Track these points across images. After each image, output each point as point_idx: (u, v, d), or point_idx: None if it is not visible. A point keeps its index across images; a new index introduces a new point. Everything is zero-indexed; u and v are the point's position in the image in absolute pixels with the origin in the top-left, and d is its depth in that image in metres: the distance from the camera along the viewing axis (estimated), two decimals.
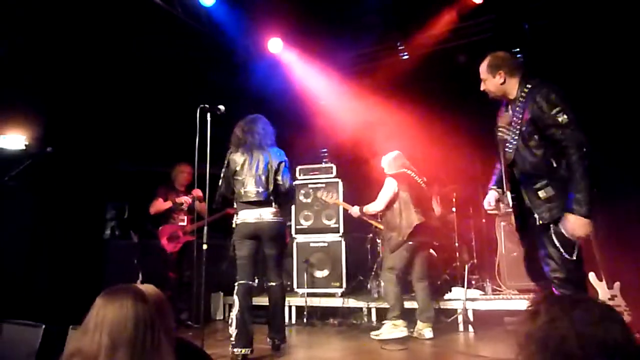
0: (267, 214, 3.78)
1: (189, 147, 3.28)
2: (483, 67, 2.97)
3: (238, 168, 3.80)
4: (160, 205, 5.25)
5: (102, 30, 5.37)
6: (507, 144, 2.82)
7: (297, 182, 5.71)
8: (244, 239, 3.82)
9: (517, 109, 2.80)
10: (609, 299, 4.15)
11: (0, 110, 5.47)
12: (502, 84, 2.90)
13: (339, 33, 6.17)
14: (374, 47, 6.66)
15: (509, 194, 2.82)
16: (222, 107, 3.26)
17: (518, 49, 6.06)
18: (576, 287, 2.74)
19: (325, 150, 6.97)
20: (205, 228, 3.20)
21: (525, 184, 2.75)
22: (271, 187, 3.78)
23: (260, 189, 3.75)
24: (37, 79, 5.54)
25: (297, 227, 5.62)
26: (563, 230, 2.57)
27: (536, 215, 2.68)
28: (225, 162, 3.87)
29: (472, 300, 4.68)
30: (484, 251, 5.35)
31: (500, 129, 2.96)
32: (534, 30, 5.94)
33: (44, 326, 1.91)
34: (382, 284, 4.64)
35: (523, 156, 2.72)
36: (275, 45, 6.19)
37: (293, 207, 5.56)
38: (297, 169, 5.77)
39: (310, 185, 5.68)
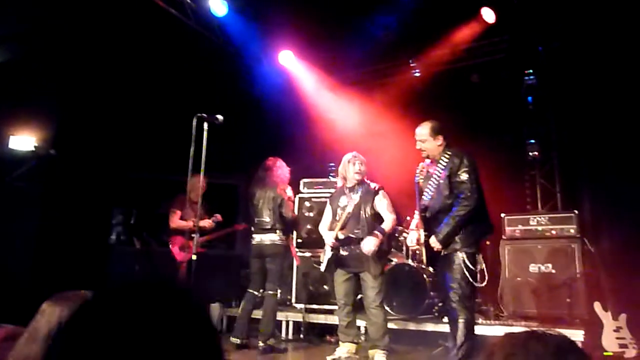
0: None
1: (196, 156, 3.26)
2: (425, 130, 3.59)
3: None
4: (183, 225, 5.24)
5: (114, 35, 5.43)
6: (425, 194, 3.61)
7: (300, 195, 5.67)
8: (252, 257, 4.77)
9: (439, 167, 3.54)
10: (614, 331, 4.03)
11: (11, 111, 5.56)
12: (439, 145, 3.56)
13: (351, 48, 6.16)
14: (386, 63, 6.64)
15: (422, 232, 3.54)
16: (220, 117, 3.25)
17: (531, 70, 6.00)
18: (468, 307, 3.37)
19: (332, 164, 6.93)
20: (195, 239, 3.15)
21: (435, 222, 3.49)
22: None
23: (268, 219, 4.67)
24: (49, 82, 5.61)
25: (299, 240, 5.55)
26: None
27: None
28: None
29: None
30: (488, 275, 5.22)
31: (420, 181, 3.70)
32: (548, 52, 5.88)
33: None
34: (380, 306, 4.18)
35: (436, 202, 3.51)
36: (286, 58, 6.19)
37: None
38: (302, 182, 5.73)
39: (313, 199, 5.63)
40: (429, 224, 3.56)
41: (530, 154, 5.81)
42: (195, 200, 5.42)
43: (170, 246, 5.31)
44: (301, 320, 5.12)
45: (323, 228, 4.37)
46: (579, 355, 0.89)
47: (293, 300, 5.43)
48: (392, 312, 4.98)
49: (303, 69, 6.29)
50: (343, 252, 4.18)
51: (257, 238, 4.70)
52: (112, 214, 6.93)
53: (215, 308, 5.81)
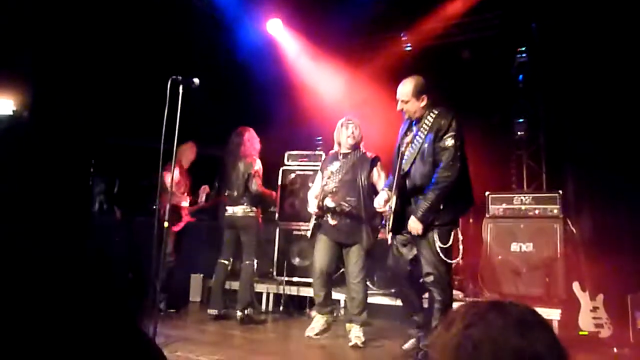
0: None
1: (176, 122, 3.14)
2: (408, 90, 3.28)
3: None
4: (181, 199, 5.15)
5: None
6: (405, 157, 3.31)
7: (284, 167, 5.59)
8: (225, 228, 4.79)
9: (422, 129, 3.24)
10: (591, 310, 4.06)
11: None
12: (423, 107, 3.27)
13: (341, 18, 6.00)
14: (378, 35, 6.50)
15: (394, 198, 3.26)
16: (196, 80, 3.13)
17: (524, 48, 5.90)
18: (444, 287, 3.20)
19: (320, 138, 6.84)
20: (167, 207, 3.07)
21: (414, 192, 3.26)
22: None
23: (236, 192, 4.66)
24: (26, 44, 5.42)
25: (281, 213, 5.50)
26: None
27: None
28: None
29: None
30: (470, 253, 5.22)
31: (402, 144, 3.39)
32: (541, 29, 5.77)
33: None
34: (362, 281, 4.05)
35: (417, 169, 3.23)
36: (274, 27, 6.03)
37: (279, 193, 5.45)
38: (286, 154, 5.65)
39: (298, 172, 5.55)
40: (407, 194, 3.28)
41: (518, 133, 5.77)
42: (186, 166, 5.36)
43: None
44: (281, 292, 5.10)
45: (311, 195, 4.13)
46: (541, 328, 0.84)
47: (274, 272, 5.40)
48: (372, 287, 4.99)
49: (290, 38, 6.13)
50: (332, 221, 3.94)
51: (230, 210, 4.69)
52: (94, 183, 6.82)
53: (197, 279, 5.79)
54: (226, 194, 4.74)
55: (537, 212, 4.69)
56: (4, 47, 5.31)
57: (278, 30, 6.10)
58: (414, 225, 3.17)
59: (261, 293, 5.31)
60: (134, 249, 5.54)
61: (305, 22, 6.10)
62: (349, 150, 4.04)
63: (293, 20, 6.08)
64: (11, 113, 5.57)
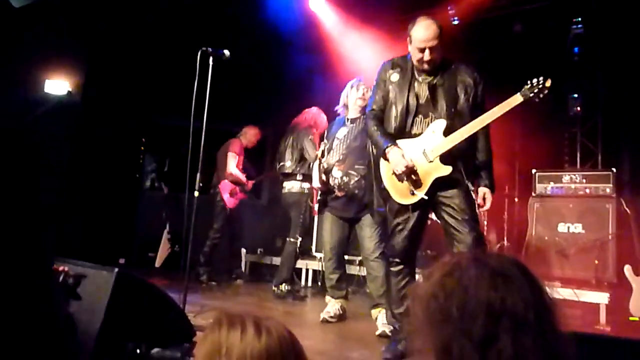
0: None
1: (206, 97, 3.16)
2: (436, 34, 2.69)
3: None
4: (238, 177, 5.31)
5: None
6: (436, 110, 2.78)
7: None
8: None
9: (453, 78, 2.76)
10: None
11: (46, 56, 5.67)
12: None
13: None
14: (424, 9, 6.29)
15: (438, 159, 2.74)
16: (227, 52, 3.13)
17: (580, 19, 5.54)
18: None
19: None
20: (198, 176, 3.12)
21: (453, 155, 2.72)
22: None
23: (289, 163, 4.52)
24: (80, 26, 5.66)
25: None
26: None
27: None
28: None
29: None
30: (515, 233, 5.03)
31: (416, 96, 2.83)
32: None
33: (116, 270, 1.94)
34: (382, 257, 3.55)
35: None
36: (316, 2, 5.96)
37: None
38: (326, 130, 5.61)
39: None
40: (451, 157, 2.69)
41: (573, 109, 5.46)
42: (249, 147, 5.53)
43: (221, 192, 5.33)
44: (320, 269, 5.13)
45: (315, 167, 3.75)
46: (521, 282, 0.78)
47: (313, 249, 5.44)
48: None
49: (332, 14, 6.04)
50: (339, 193, 3.57)
51: (284, 186, 4.66)
52: (145, 161, 7.09)
53: (242, 253, 5.93)
54: (277, 167, 4.71)
55: (587, 190, 4.44)
56: (61, 29, 5.57)
57: (320, 6, 6.02)
58: (488, 198, 2.77)
59: (300, 269, 5.36)
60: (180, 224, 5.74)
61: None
62: (358, 115, 3.67)
63: None
64: (66, 94, 5.84)
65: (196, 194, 3.04)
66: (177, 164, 6.77)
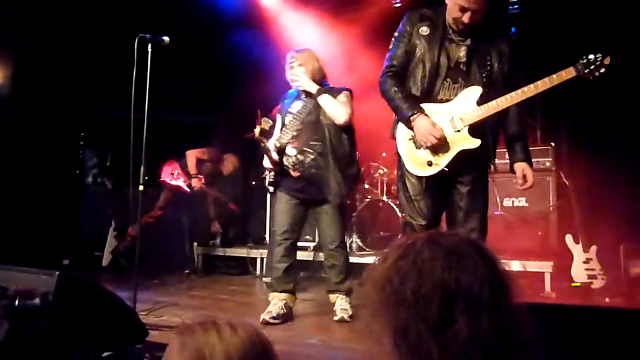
0: None
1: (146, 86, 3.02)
2: None
3: None
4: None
5: None
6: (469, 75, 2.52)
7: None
8: None
9: (480, 45, 2.49)
10: (584, 262, 4.02)
11: None
12: None
13: None
14: None
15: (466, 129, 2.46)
16: (166, 39, 3.00)
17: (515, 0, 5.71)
18: None
19: None
20: (142, 169, 3.00)
21: (480, 135, 2.47)
22: None
23: None
24: (12, 13, 5.28)
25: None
26: None
27: None
28: None
29: None
30: None
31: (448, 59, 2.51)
32: None
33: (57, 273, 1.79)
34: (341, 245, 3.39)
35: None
36: None
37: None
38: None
39: None
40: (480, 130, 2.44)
41: None
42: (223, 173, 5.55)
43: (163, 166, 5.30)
44: None
45: (270, 146, 3.32)
46: (476, 260, 0.77)
47: (266, 238, 5.39)
48: (366, 249, 4.98)
49: (280, 4, 5.93)
50: (294, 173, 3.22)
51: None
52: (85, 156, 6.76)
53: (193, 246, 5.79)
54: None
55: None
56: None
57: None
58: (529, 175, 2.55)
59: (255, 258, 5.31)
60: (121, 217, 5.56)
61: None
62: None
63: None
64: None
65: (141, 187, 2.91)
66: (120, 158, 6.51)
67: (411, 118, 2.40)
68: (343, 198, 3.27)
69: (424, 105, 2.45)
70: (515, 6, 5.68)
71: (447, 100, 2.47)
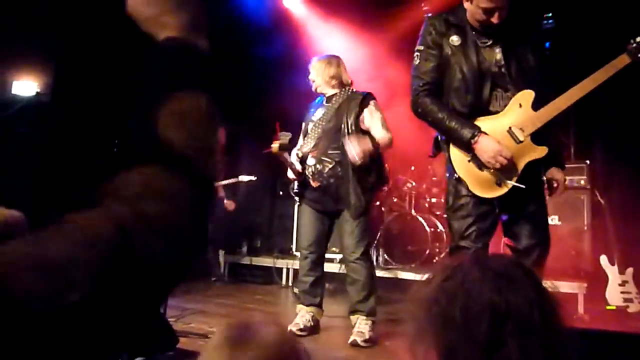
0: None
1: None
2: None
3: None
4: None
5: None
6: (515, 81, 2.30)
7: None
8: None
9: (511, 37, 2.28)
10: (620, 285, 3.90)
11: (13, 56, 5.47)
12: None
13: None
14: (396, 3, 6.32)
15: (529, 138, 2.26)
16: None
17: (550, 14, 5.63)
18: None
19: None
20: None
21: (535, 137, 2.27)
22: None
23: None
24: (49, 25, 5.47)
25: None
26: None
27: None
28: None
29: None
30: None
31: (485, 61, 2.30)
32: None
33: None
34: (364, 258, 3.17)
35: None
36: (291, 1, 5.91)
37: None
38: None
39: None
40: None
41: None
42: None
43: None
44: None
45: (293, 157, 3.31)
46: (523, 283, 0.76)
47: (293, 248, 5.40)
48: (392, 263, 4.94)
49: (304, 7, 5.98)
50: (314, 183, 3.13)
51: None
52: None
53: (220, 254, 5.84)
54: None
55: None
56: (27, 29, 5.38)
57: (294, 5, 5.97)
58: (560, 179, 2.31)
59: (281, 269, 5.32)
60: None
61: None
62: (335, 91, 3.22)
63: None
64: (35, 94, 5.66)
65: None
66: None
67: (472, 140, 2.18)
68: (364, 209, 3.10)
69: (479, 123, 2.23)
70: (550, 21, 5.60)
71: (499, 112, 2.26)
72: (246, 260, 5.68)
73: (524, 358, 0.70)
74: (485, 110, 2.26)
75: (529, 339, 0.71)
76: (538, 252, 2.24)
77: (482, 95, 2.24)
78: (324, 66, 3.22)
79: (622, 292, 3.87)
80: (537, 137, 2.22)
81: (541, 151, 2.21)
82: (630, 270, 3.90)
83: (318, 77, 3.22)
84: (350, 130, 3.04)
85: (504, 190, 2.20)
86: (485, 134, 2.19)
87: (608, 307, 3.85)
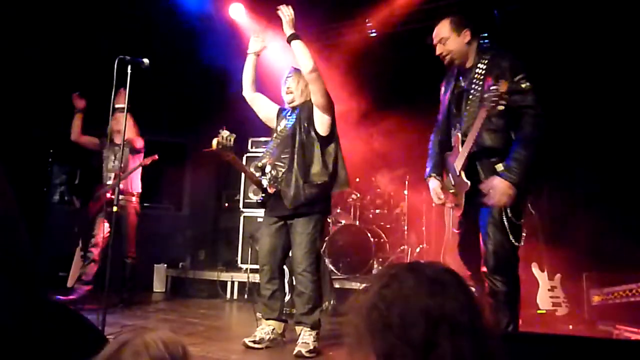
0: None
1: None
2: (444, 26, 2.65)
3: None
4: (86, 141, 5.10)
5: None
6: (461, 116, 2.59)
7: (248, 154, 5.51)
8: None
9: (475, 78, 2.55)
10: (549, 290, 4.13)
11: None
12: (467, 43, 2.61)
13: (305, 3, 5.92)
14: (341, 21, 6.46)
15: (463, 173, 2.53)
16: (146, 61, 3.01)
17: (486, 34, 5.93)
18: (510, 275, 2.64)
19: None
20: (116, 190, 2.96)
21: (480, 159, 2.53)
22: None
23: None
24: None
25: (245, 200, 5.44)
26: (486, 188, 2.44)
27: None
28: None
29: None
30: (435, 236, 5.27)
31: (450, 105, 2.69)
32: (504, 15, 5.81)
33: None
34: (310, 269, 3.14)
35: (483, 129, 2.45)
36: (237, 11, 5.91)
37: (242, 180, 5.39)
38: (250, 140, 5.58)
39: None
40: (472, 163, 2.52)
41: None
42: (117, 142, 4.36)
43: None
44: (246, 280, 5.05)
45: (253, 168, 3.30)
46: (455, 288, 0.82)
47: (239, 261, 5.35)
48: (337, 273, 4.99)
49: (252, 23, 6.01)
50: (270, 190, 3.10)
51: None
52: (54, 173, 6.61)
53: (160, 269, 5.69)
54: None
55: None
56: None
57: (240, 15, 5.97)
58: (504, 190, 2.38)
59: (226, 282, 5.25)
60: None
61: (267, 7, 5.98)
62: (302, 100, 3.22)
63: (255, 5, 5.97)
64: None
65: (114, 208, 2.87)
66: (89, 176, 6.39)
67: (426, 180, 2.75)
68: (306, 204, 3.03)
69: (450, 158, 2.63)
70: (486, 41, 5.89)
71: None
72: (190, 274, 5.56)
73: (457, 358, 0.76)
74: (456, 149, 2.63)
75: (460, 339, 0.76)
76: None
77: (450, 133, 2.71)
78: (300, 76, 3.21)
79: (551, 297, 4.11)
80: (469, 170, 2.53)
81: (465, 185, 2.51)
82: (558, 276, 4.16)
83: (298, 88, 3.21)
84: (302, 135, 3.06)
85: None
86: (436, 178, 2.75)
87: (539, 311, 4.07)
